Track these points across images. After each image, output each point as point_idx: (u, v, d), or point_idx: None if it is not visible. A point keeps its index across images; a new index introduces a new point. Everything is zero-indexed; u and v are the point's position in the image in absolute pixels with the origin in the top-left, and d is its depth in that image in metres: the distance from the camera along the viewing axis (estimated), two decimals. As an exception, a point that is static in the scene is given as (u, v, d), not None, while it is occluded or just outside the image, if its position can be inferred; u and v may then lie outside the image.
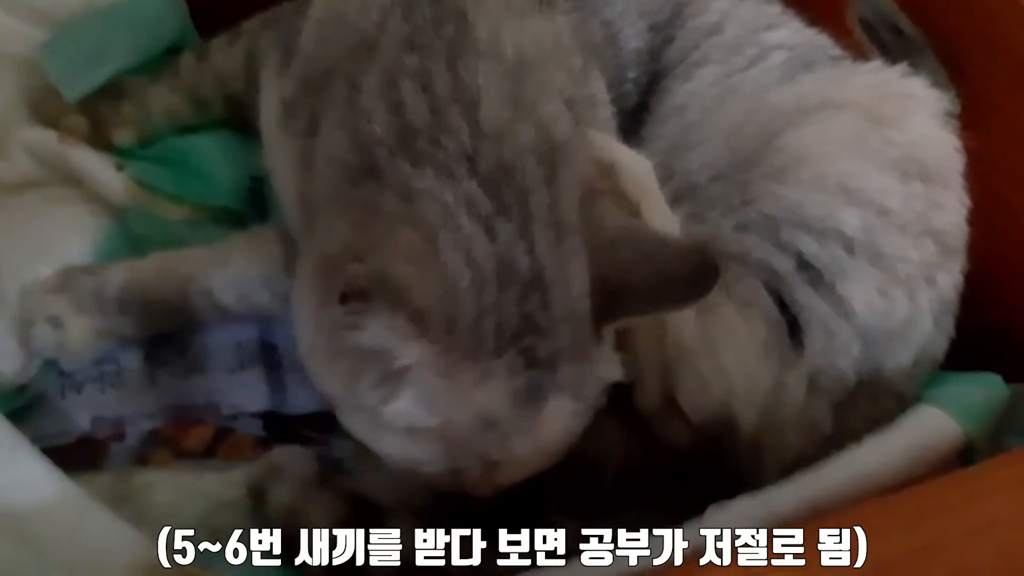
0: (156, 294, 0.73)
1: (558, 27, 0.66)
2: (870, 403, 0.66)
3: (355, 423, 0.57)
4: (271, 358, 0.76)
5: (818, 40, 0.76)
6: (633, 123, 0.72)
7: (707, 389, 0.64)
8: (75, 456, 0.69)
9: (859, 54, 0.78)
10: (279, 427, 0.74)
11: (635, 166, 0.65)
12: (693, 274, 0.54)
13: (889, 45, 0.81)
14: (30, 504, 0.60)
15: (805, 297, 0.64)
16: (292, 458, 0.66)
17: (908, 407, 0.66)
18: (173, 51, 0.86)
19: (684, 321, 0.63)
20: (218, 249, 0.75)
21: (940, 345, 0.68)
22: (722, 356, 0.64)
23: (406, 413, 0.53)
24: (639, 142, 0.70)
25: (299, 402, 0.75)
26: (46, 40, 0.83)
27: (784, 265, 0.65)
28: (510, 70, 0.59)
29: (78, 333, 0.72)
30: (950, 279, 0.67)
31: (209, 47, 0.85)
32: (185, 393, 0.74)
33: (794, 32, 0.76)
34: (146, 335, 0.75)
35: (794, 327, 0.65)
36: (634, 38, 0.72)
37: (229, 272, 0.74)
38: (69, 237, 0.77)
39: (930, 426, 0.64)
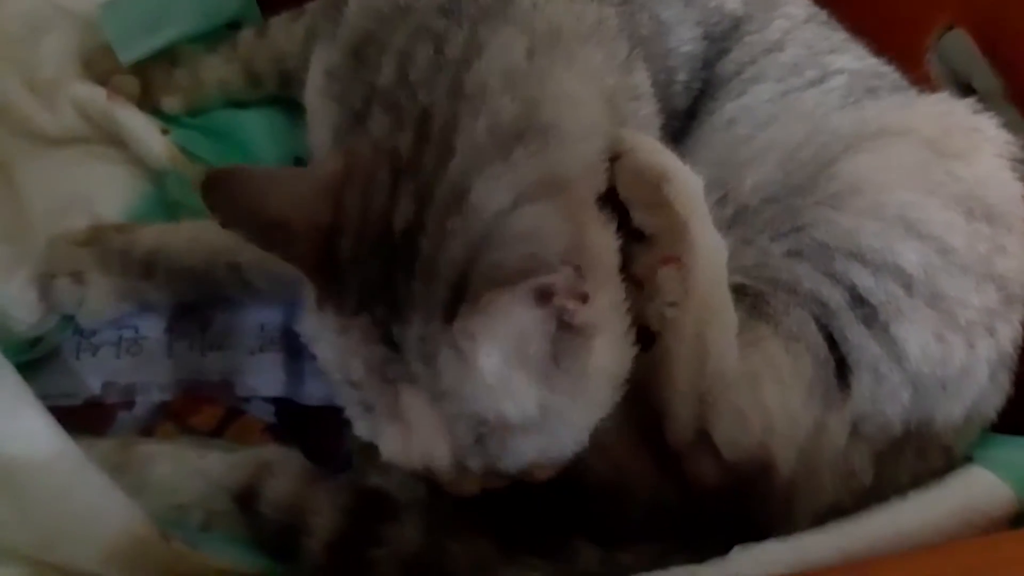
0: (184, 262, 0.72)
1: (605, 12, 0.64)
2: (916, 456, 0.62)
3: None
4: (293, 344, 0.74)
5: (882, 68, 0.74)
6: (680, 129, 0.70)
7: (745, 426, 0.59)
8: (80, 419, 0.68)
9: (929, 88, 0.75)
10: (291, 416, 0.72)
11: (687, 181, 0.62)
12: None
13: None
14: (25, 458, 0.58)
15: (856, 335, 0.60)
16: (283, 454, 0.63)
17: (956, 466, 0.62)
18: (233, 27, 0.86)
19: (727, 352, 0.59)
20: (252, 226, 0.74)
21: (994, 402, 0.64)
22: (764, 393, 0.60)
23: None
24: (685, 152, 0.67)
25: (315, 392, 0.72)
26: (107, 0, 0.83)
27: (836, 298, 0.61)
28: (533, 41, 0.57)
29: (99, 291, 0.71)
30: (1010, 330, 0.63)
31: (270, 24, 0.85)
32: (201, 369, 0.73)
33: (857, 59, 0.73)
34: (168, 303, 0.73)
35: (841, 367, 0.61)
36: (688, 43, 0.71)
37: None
38: (104, 194, 0.76)
39: (981, 489, 0.59)
